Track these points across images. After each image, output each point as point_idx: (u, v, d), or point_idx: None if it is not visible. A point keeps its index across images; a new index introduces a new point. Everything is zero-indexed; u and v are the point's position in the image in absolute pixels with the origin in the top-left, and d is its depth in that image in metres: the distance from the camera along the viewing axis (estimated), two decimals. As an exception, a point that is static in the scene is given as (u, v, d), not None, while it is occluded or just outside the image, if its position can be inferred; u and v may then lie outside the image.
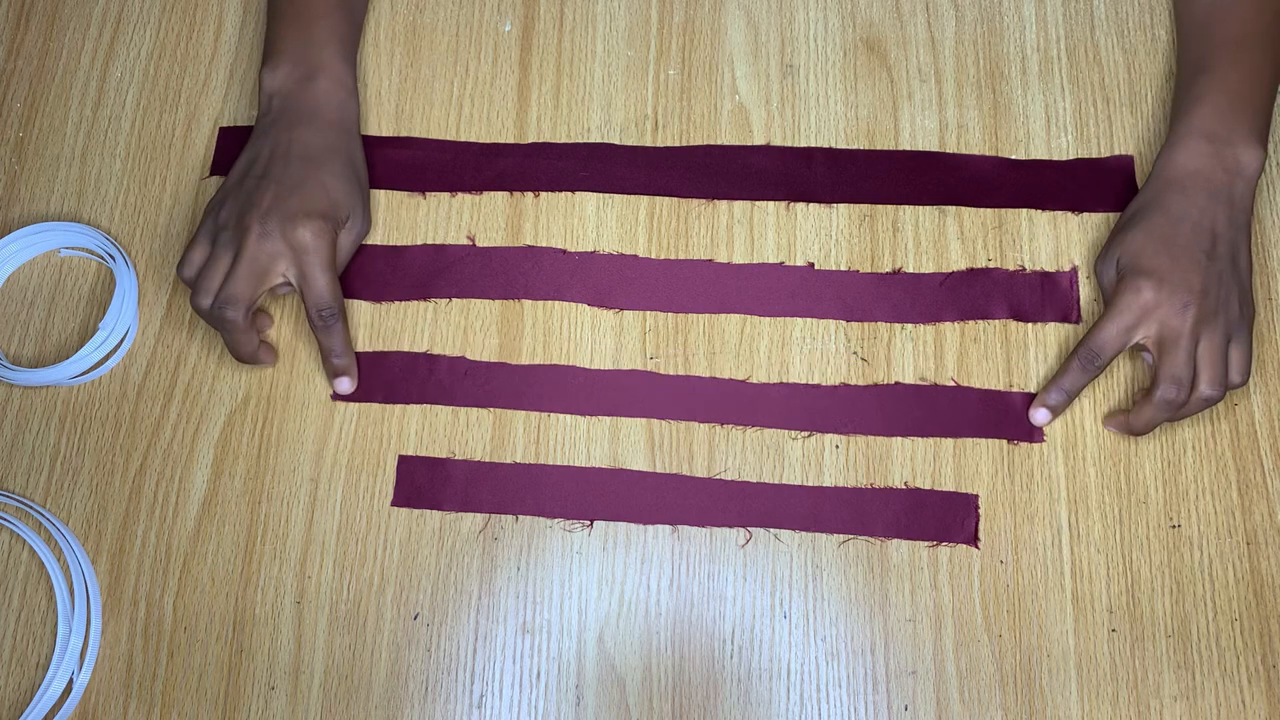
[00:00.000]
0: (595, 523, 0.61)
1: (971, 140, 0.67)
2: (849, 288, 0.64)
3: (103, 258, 0.66)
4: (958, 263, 0.65)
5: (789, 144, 0.68)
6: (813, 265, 0.65)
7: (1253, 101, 0.61)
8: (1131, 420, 0.59)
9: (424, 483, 0.61)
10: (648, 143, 0.68)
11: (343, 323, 0.61)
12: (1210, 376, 0.57)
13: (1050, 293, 0.64)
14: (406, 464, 0.62)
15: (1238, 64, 0.62)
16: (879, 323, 0.64)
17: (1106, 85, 0.69)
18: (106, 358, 0.64)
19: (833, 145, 0.68)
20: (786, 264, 0.65)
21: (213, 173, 0.68)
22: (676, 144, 0.68)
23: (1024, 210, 0.65)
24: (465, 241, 0.66)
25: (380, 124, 0.69)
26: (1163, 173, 0.61)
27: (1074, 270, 0.64)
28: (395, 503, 0.61)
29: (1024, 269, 0.64)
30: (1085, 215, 0.65)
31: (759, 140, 0.68)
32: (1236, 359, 0.58)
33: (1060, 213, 0.65)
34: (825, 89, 0.69)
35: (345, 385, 0.62)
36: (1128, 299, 0.57)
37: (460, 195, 0.67)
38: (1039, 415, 0.60)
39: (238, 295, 0.58)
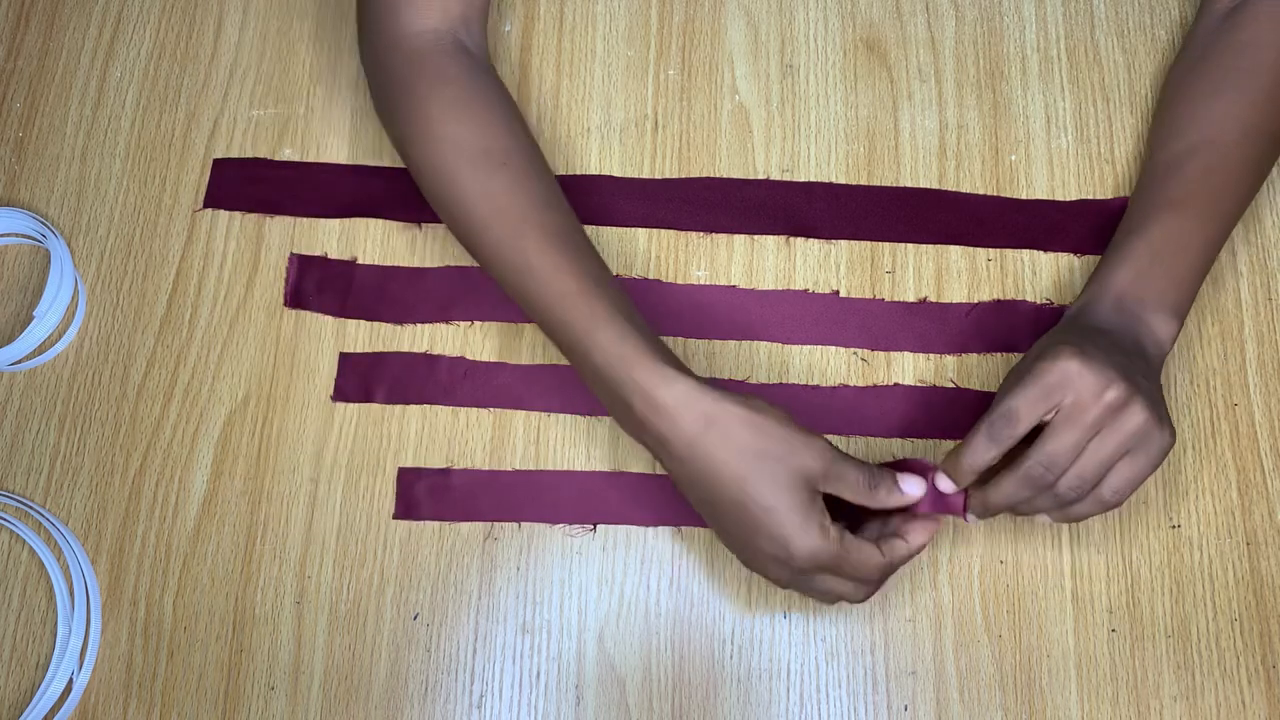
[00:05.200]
0: (597, 525, 0.61)
1: (971, 140, 0.67)
2: (875, 316, 0.64)
3: (36, 239, 0.66)
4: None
5: (789, 145, 0.68)
6: (837, 293, 0.64)
7: (1173, 270, 0.57)
8: (989, 494, 0.53)
9: (424, 494, 0.61)
10: (647, 143, 0.68)
11: None
12: (1076, 474, 0.51)
13: None
14: (406, 476, 0.61)
15: (1167, 227, 0.58)
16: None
17: (1106, 85, 0.69)
18: (54, 340, 0.64)
19: (832, 145, 0.68)
20: (811, 291, 0.65)
21: (206, 205, 0.67)
22: (677, 144, 0.68)
23: (1025, 251, 0.65)
24: None
25: (381, 125, 0.69)
26: (1076, 319, 0.57)
27: None
28: (397, 515, 0.61)
29: (1050, 302, 0.64)
30: (1087, 257, 0.65)
31: (759, 141, 0.68)
32: (1121, 472, 0.51)
33: (1063, 254, 0.65)
34: (825, 89, 0.69)
35: None
36: (1048, 365, 0.51)
37: None
38: (943, 483, 0.53)
39: None
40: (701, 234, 0.66)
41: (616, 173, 0.67)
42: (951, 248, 0.65)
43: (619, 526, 0.60)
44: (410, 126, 0.60)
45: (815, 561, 0.51)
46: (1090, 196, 0.66)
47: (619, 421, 0.55)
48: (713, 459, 0.51)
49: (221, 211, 0.67)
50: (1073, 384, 0.50)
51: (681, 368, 0.54)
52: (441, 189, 0.59)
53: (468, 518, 0.61)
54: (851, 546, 0.51)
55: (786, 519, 0.50)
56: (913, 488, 0.53)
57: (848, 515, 0.54)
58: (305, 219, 0.67)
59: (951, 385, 0.63)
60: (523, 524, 0.60)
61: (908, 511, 0.54)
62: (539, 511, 0.61)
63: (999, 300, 0.64)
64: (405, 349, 0.64)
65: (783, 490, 0.51)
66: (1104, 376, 0.50)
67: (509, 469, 0.61)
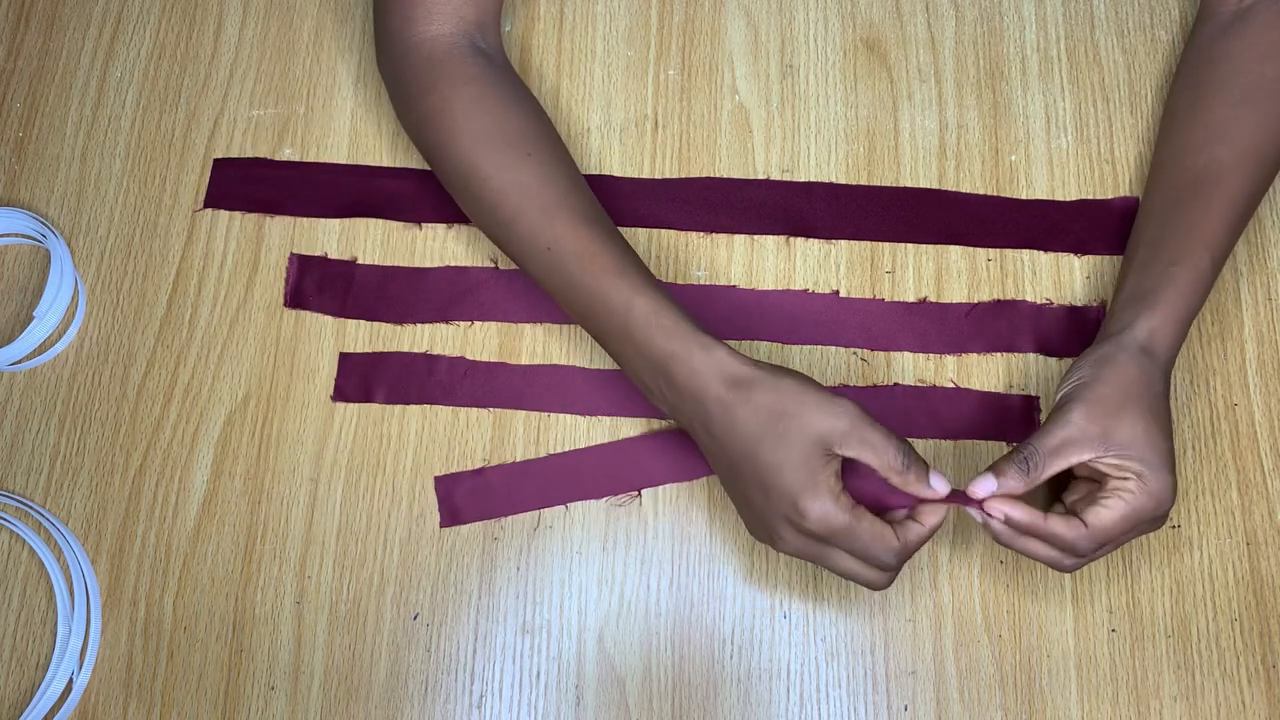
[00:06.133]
0: (596, 520, 0.61)
1: (971, 140, 0.67)
2: (875, 316, 0.64)
3: (36, 239, 0.66)
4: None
5: (789, 145, 0.68)
6: (837, 293, 0.64)
7: (1195, 313, 0.57)
8: (1028, 546, 0.53)
9: (465, 498, 0.61)
10: (647, 143, 0.68)
11: None
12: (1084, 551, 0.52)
13: (1078, 328, 0.63)
14: (444, 483, 0.61)
15: (1211, 263, 0.57)
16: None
17: (1106, 85, 0.69)
18: (54, 340, 0.64)
19: (832, 145, 0.68)
20: (811, 291, 0.64)
21: (206, 205, 0.67)
22: (677, 144, 0.68)
23: (1025, 251, 0.65)
24: (487, 264, 0.65)
25: (381, 126, 0.69)
26: (1147, 346, 0.55)
27: (1102, 305, 0.63)
28: (443, 524, 0.61)
29: (1050, 302, 0.64)
30: (1087, 257, 0.65)
31: (759, 141, 0.68)
32: (1094, 537, 0.52)
33: (1063, 254, 0.65)
34: (825, 89, 0.69)
35: None
36: (1153, 494, 0.51)
37: (456, 227, 0.66)
38: (987, 518, 0.52)
39: None
40: (701, 234, 0.66)
41: (616, 173, 0.67)
42: (951, 248, 0.65)
43: (618, 526, 0.60)
44: (434, 127, 0.60)
45: (825, 524, 0.50)
46: (1090, 196, 0.66)
47: (655, 397, 0.56)
48: (736, 419, 0.52)
49: (221, 211, 0.67)
50: (1162, 511, 0.52)
51: (717, 338, 0.54)
52: (470, 184, 0.59)
53: (513, 511, 0.61)
54: (865, 519, 0.51)
55: (794, 477, 0.50)
56: (940, 485, 0.52)
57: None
58: (305, 219, 0.67)
59: (951, 385, 0.63)
60: (522, 523, 0.60)
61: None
62: (582, 490, 0.61)
63: (999, 300, 0.64)
64: (405, 349, 0.64)
65: (793, 448, 0.51)
66: (1171, 504, 0.52)
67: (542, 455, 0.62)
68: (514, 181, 0.58)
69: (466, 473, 0.61)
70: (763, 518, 0.53)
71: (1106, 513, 0.51)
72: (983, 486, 0.52)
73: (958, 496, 0.53)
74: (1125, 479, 0.52)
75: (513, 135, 0.59)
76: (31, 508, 0.61)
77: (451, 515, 0.61)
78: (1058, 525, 0.51)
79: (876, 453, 0.51)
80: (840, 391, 0.62)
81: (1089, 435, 0.52)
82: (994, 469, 0.52)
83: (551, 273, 0.57)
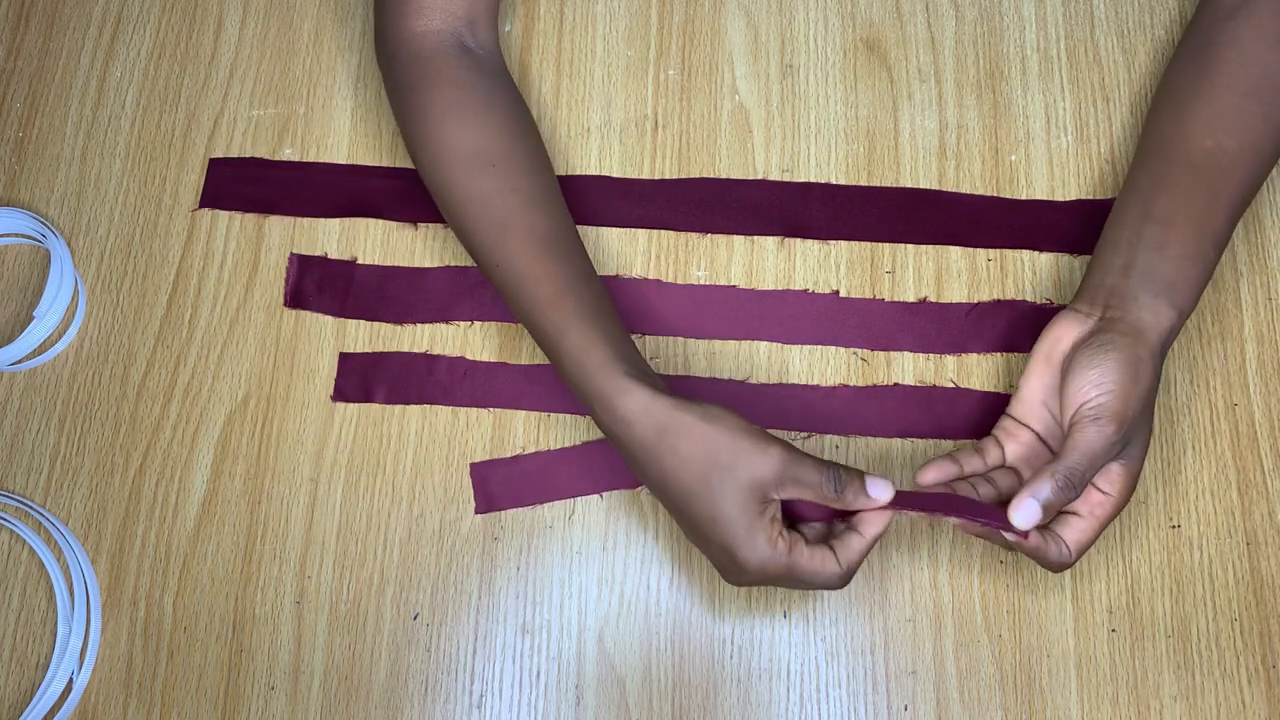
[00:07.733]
0: (596, 520, 0.60)
1: (971, 140, 0.67)
2: (875, 316, 0.64)
3: (36, 239, 0.66)
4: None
5: (789, 145, 0.68)
6: (837, 293, 0.64)
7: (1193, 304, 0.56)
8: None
9: (500, 485, 0.61)
10: (647, 143, 0.68)
11: None
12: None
13: None
14: (479, 470, 0.61)
15: (1219, 252, 0.57)
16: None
17: (1106, 85, 0.69)
18: (54, 340, 0.64)
19: (832, 145, 0.68)
20: (811, 291, 0.65)
21: (202, 204, 0.67)
22: (677, 144, 0.68)
23: (1025, 251, 0.65)
24: None
25: (381, 126, 0.69)
26: (1166, 349, 0.55)
27: None
28: (479, 510, 0.61)
29: (1050, 302, 0.64)
30: (1087, 257, 0.65)
31: (759, 141, 0.68)
32: (1076, 556, 0.53)
33: (1062, 254, 0.65)
34: (825, 89, 0.69)
35: None
36: (1120, 504, 0.54)
37: None
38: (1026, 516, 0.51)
39: None
40: (701, 234, 0.66)
41: (616, 173, 0.67)
42: (951, 248, 0.65)
43: (618, 525, 0.60)
44: (411, 129, 0.60)
45: (764, 572, 0.50)
46: (1090, 196, 0.66)
47: (594, 421, 0.56)
48: (664, 468, 0.51)
49: (221, 211, 0.67)
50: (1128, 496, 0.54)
51: (644, 376, 0.53)
52: (438, 191, 0.60)
53: (549, 498, 0.61)
54: (802, 558, 0.50)
55: (730, 530, 0.50)
56: (880, 491, 0.51)
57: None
58: (305, 219, 0.67)
59: (951, 385, 0.63)
60: (522, 523, 0.61)
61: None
62: (617, 478, 0.61)
63: (999, 300, 0.64)
64: (405, 349, 0.64)
65: (728, 501, 0.50)
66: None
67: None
68: (475, 193, 0.58)
69: (502, 460, 0.61)
70: (708, 557, 0.53)
71: (1085, 535, 0.53)
72: (1028, 516, 0.50)
73: (997, 518, 0.51)
74: (1107, 495, 0.53)
75: (481, 145, 0.59)
76: (31, 508, 0.61)
77: (487, 502, 0.61)
78: (1051, 552, 0.52)
79: (810, 489, 0.51)
80: (839, 391, 0.62)
81: (1117, 448, 0.52)
82: (1034, 493, 0.50)
83: (501, 290, 0.58)
